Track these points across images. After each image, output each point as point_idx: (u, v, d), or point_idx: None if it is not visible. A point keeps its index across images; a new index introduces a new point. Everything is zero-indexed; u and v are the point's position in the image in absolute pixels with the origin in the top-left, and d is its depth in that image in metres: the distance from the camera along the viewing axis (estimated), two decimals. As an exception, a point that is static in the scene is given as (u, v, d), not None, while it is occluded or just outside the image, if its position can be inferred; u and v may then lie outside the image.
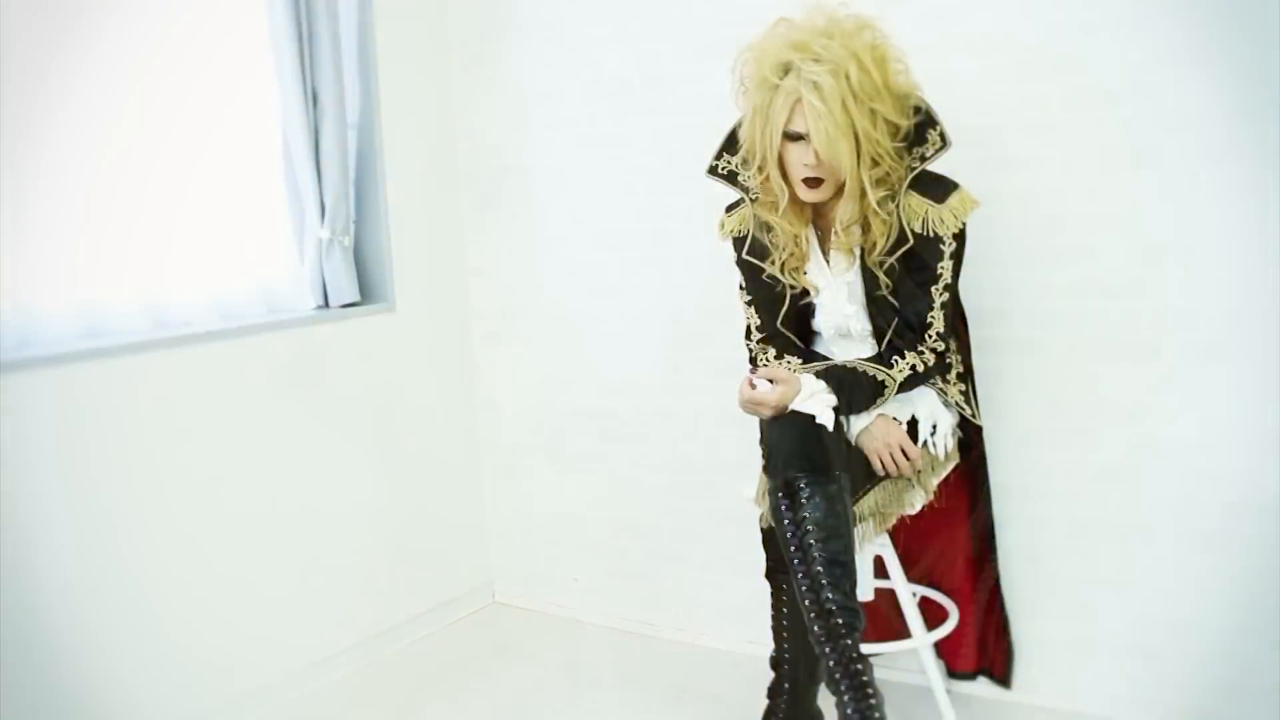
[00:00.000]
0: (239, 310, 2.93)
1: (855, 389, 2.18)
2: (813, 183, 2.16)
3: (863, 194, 2.14)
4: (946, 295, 2.23)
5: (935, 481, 2.32)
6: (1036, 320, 2.54)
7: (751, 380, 2.19)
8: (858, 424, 2.22)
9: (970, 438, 2.47)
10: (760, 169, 2.21)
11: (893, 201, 2.17)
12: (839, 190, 2.18)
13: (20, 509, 2.33)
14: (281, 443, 2.91)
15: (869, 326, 2.31)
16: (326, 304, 3.13)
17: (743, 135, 2.23)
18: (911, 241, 2.18)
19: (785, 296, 2.36)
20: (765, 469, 2.17)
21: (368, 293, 3.24)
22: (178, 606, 2.63)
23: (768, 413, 2.18)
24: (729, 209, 2.41)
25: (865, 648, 2.09)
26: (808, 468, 2.08)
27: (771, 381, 2.16)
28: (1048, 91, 2.45)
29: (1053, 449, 2.56)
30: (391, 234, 3.21)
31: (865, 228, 2.21)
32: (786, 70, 2.08)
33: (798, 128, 2.10)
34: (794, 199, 2.22)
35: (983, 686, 2.69)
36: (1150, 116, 2.35)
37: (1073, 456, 2.54)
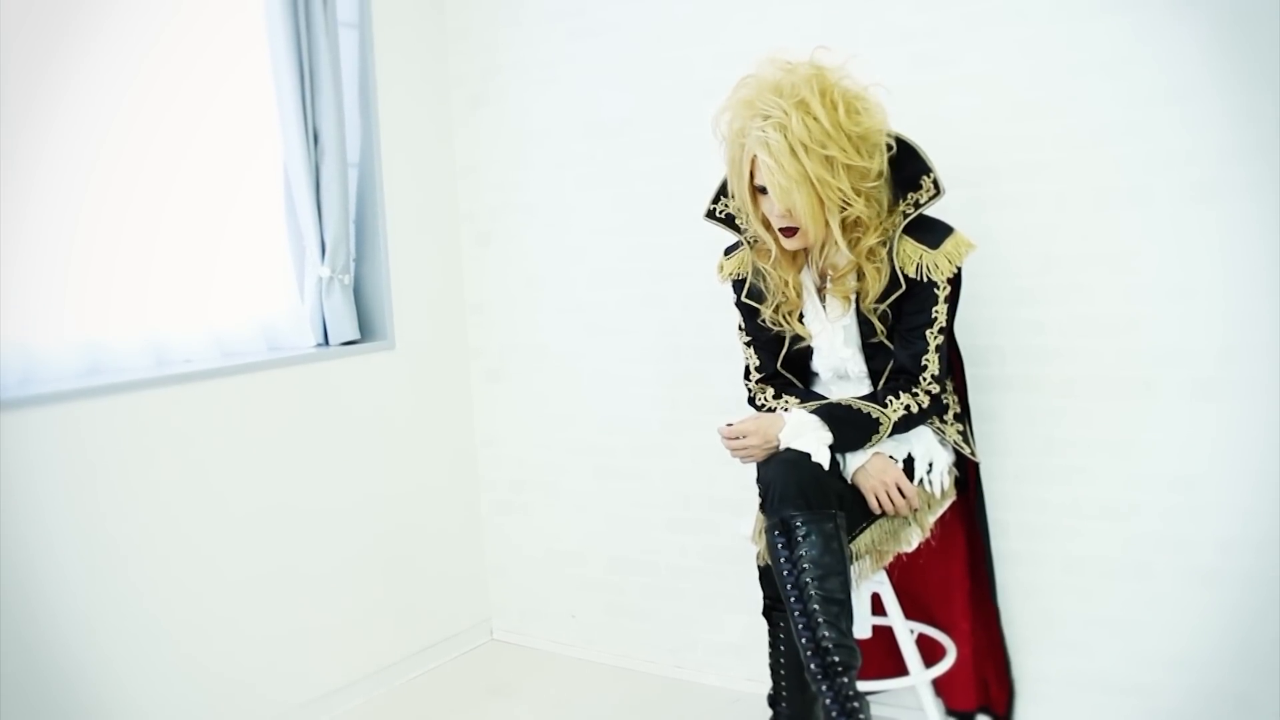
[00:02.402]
0: (239, 348, 2.95)
1: (849, 425, 2.20)
2: (787, 232, 2.19)
3: (837, 242, 2.17)
4: (941, 338, 2.25)
5: (932, 519, 2.32)
6: (1031, 358, 2.55)
7: (723, 430, 2.27)
8: (854, 462, 2.24)
9: (967, 475, 2.48)
10: (749, 220, 2.26)
11: (885, 248, 2.19)
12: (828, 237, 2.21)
13: (25, 546, 2.34)
14: (281, 479, 2.92)
15: (866, 369, 2.33)
16: (326, 342, 3.14)
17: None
18: (904, 287, 2.20)
19: (784, 338, 2.37)
20: (762, 507, 2.18)
21: (367, 330, 3.26)
22: (179, 643, 2.63)
23: (758, 454, 2.22)
24: (727, 251, 2.43)
25: (864, 685, 2.10)
26: (804, 506, 2.09)
27: None
28: (1040, 131, 2.48)
29: (1049, 486, 2.57)
30: (391, 272, 3.23)
31: (860, 275, 2.23)
32: (745, 128, 2.14)
33: (759, 182, 2.15)
34: (782, 247, 2.25)
35: (982, 724, 2.69)
36: (1142, 156, 2.37)
37: (1069, 493, 2.54)
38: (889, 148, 2.17)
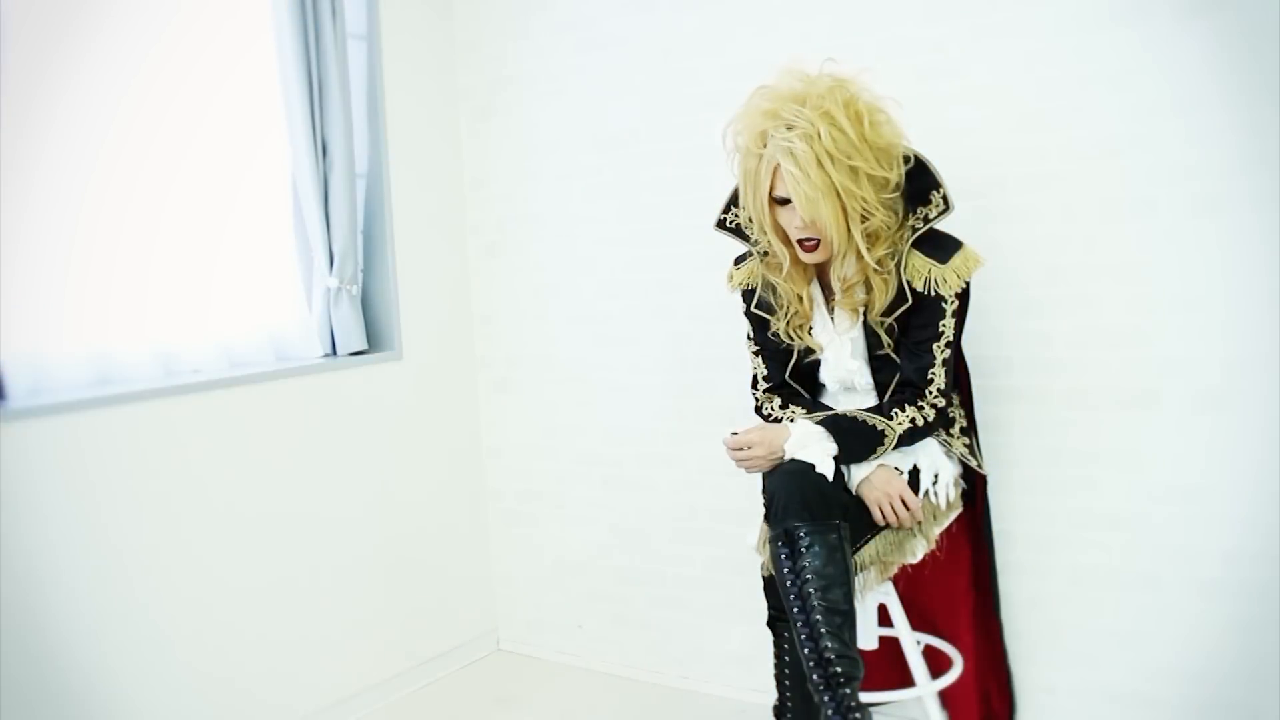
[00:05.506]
0: (248, 358, 2.96)
1: (854, 437, 2.20)
2: (807, 245, 2.19)
3: (859, 252, 2.16)
4: (948, 352, 2.25)
5: (937, 531, 2.32)
6: (1038, 369, 2.55)
7: (728, 441, 2.26)
8: (858, 473, 2.23)
9: (975, 487, 2.48)
10: (762, 232, 2.24)
11: (893, 260, 2.19)
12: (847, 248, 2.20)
13: (32, 555, 2.35)
14: (288, 490, 2.93)
15: (872, 381, 2.33)
16: (334, 352, 3.15)
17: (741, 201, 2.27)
18: (911, 301, 2.20)
19: (792, 349, 2.38)
20: (766, 518, 2.18)
21: (375, 341, 3.27)
22: (184, 652, 2.64)
23: (763, 464, 2.21)
24: (737, 261, 2.44)
25: (870, 696, 2.09)
26: (808, 517, 2.09)
27: None
28: (1047, 143, 2.48)
29: (1055, 497, 2.57)
30: (399, 283, 3.24)
31: (867, 287, 2.23)
32: (765, 139, 2.12)
33: (780, 193, 2.14)
34: (795, 260, 2.25)
35: (987, 736, 2.68)
36: (1148, 168, 2.38)
37: (1075, 504, 2.54)
38: (905, 160, 2.18)
